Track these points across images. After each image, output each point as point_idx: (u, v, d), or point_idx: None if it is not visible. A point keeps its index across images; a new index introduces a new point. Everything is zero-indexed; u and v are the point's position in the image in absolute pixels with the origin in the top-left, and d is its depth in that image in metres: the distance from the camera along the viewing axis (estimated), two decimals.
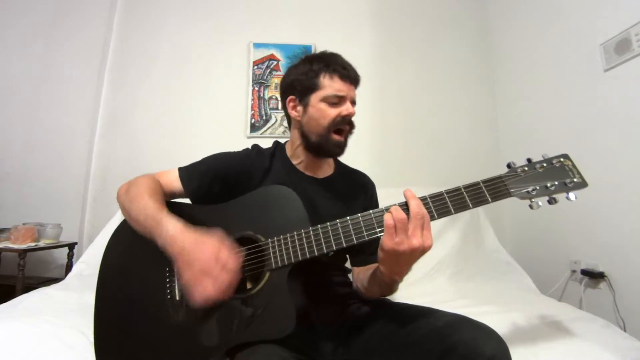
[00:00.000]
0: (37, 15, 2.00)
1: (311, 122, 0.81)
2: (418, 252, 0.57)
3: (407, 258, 0.58)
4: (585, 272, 1.42)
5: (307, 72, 0.83)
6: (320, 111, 0.80)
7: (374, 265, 0.75)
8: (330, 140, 0.80)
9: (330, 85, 0.80)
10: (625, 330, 1.18)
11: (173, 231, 0.61)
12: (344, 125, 0.81)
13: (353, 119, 0.83)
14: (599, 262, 1.39)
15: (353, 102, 0.83)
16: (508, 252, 1.62)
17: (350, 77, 0.82)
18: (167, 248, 0.61)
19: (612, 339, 0.81)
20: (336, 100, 0.80)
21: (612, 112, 1.35)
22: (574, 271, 1.50)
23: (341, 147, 0.82)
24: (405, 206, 0.59)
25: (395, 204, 0.60)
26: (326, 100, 0.80)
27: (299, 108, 0.84)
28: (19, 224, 1.61)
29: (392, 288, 0.71)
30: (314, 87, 0.81)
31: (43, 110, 1.94)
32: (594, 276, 1.38)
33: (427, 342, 0.59)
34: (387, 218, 0.58)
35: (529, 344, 0.76)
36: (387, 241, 0.57)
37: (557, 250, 1.61)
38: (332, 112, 0.79)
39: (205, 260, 0.56)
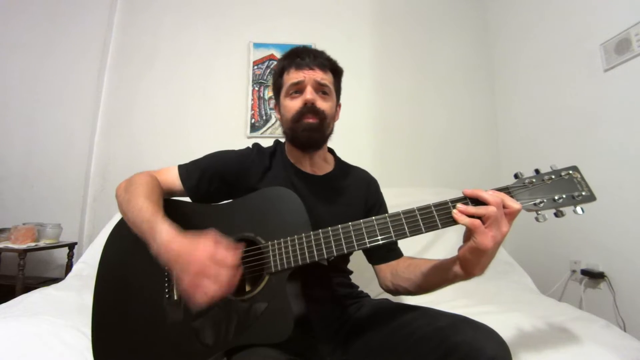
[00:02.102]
0: (37, 15, 2.00)
1: (283, 120, 0.84)
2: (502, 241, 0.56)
3: (496, 250, 0.57)
4: (585, 272, 1.42)
5: (274, 74, 0.86)
6: (285, 107, 0.81)
7: (421, 263, 0.73)
8: (298, 126, 0.79)
9: (288, 79, 0.81)
10: (625, 330, 1.18)
11: (167, 236, 0.58)
12: (308, 115, 0.78)
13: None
14: (599, 262, 1.39)
15: (320, 85, 0.79)
16: (508, 252, 1.61)
17: (306, 63, 0.79)
18: (161, 255, 0.58)
19: (612, 339, 0.80)
20: (295, 89, 0.80)
21: (612, 112, 1.35)
22: (574, 271, 1.50)
23: (312, 130, 0.78)
24: (465, 201, 0.58)
25: (465, 202, 0.58)
26: (287, 94, 0.81)
27: (279, 110, 0.87)
28: (19, 224, 1.62)
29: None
30: (280, 87, 0.83)
31: (43, 110, 1.94)
32: (594, 276, 1.38)
33: (427, 343, 0.59)
34: (466, 220, 0.55)
35: (529, 344, 0.76)
36: (485, 241, 0.54)
37: (557, 250, 1.61)
38: (295, 104, 0.79)
39: (201, 261, 0.54)
